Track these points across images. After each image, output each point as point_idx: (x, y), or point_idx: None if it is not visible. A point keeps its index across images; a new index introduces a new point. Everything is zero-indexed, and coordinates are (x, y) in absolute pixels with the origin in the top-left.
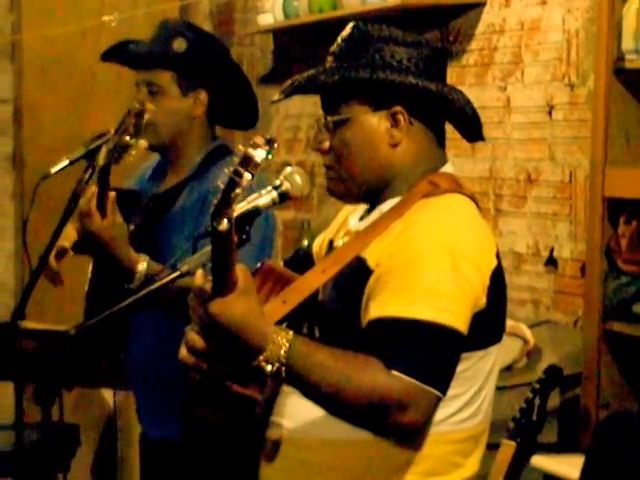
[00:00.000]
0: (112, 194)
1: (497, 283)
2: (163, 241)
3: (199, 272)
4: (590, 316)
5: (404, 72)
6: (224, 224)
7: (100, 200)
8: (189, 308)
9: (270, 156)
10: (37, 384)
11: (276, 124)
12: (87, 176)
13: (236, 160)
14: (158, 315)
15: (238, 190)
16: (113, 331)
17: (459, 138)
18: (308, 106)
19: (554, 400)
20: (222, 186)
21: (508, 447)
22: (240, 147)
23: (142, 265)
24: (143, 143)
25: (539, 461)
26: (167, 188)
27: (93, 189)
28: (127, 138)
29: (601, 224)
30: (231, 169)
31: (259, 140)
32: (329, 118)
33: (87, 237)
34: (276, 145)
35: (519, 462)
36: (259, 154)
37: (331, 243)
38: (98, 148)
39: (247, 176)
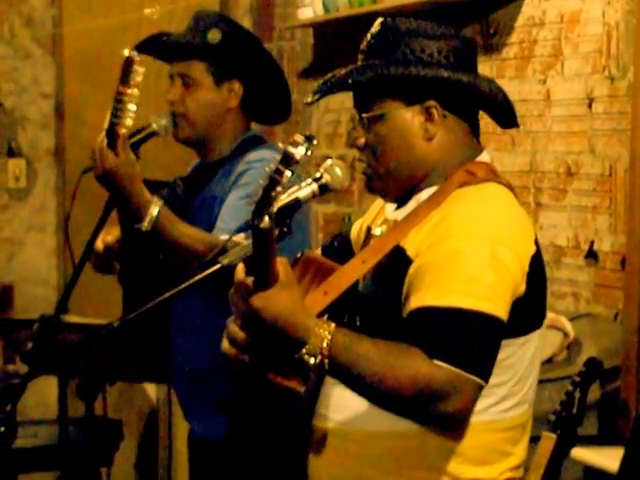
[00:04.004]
0: (123, 131)
1: (536, 269)
2: (191, 222)
3: (240, 266)
4: (630, 309)
5: (435, 66)
6: (266, 222)
7: (111, 138)
8: (230, 302)
9: (309, 153)
10: (80, 379)
11: (316, 118)
12: None
13: (277, 158)
14: (200, 313)
15: (279, 188)
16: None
17: (499, 132)
18: (348, 100)
19: (594, 393)
20: (263, 184)
21: (549, 439)
22: (280, 145)
23: (156, 206)
24: (135, 91)
25: (579, 453)
26: (198, 171)
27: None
28: (120, 88)
29: None
30: (272, 167)
31: (299, 138)
32: (363, 115)
33: (102, 177)
34: (315, 142)
35: (559, 454)
36: (299, 151)
37: (369, 230)
38: (140, 141)
39: (287, 174)
